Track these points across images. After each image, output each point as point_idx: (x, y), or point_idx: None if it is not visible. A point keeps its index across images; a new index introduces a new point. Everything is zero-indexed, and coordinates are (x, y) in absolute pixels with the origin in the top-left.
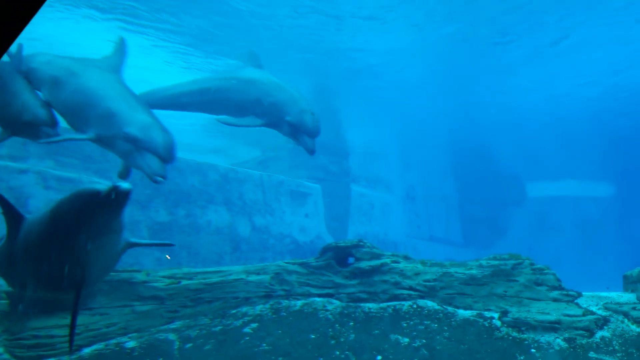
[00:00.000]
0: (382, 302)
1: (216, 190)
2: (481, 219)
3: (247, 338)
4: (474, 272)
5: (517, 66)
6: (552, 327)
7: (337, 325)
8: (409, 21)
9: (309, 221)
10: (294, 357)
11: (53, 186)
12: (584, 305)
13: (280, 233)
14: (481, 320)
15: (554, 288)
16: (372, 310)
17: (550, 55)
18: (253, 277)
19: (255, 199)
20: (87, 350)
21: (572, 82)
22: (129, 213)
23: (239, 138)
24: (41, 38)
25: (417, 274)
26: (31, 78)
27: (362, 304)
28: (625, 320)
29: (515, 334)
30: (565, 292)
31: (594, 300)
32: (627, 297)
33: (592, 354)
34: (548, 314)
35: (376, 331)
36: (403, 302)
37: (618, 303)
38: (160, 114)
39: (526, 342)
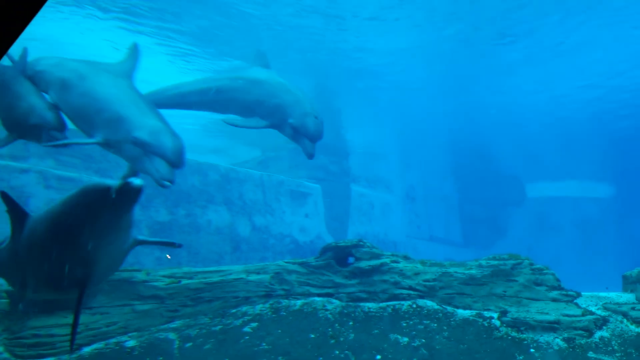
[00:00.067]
0: (382, 301)
1: (216, 190)
2: (481, 219)
3: (247, 337)
4: (473, 272)
5: (517, 67)
6: (551, 327)
7: (336, 325)
8: (410, 22)
9: (309, 221)
10: (294, 356)
11: (54, 185)
12: (583, 305)
13: (280, 233)
14: (480, 320)
15: (553, 288)
16: (371, 309)
17: (550, 56)
18: (253, 277)
19: (256, 199)
20: (87, 350)
21: (572, 82)
22: None
23: (239, 138)
24: (42, 38)
25: (416, 274)
26: (38, 80)
27: (361, 304)
28: (625, 320)
29: (514, 333)
30: (564, 292)
31: (593, 300)
32: (626, 297)
33: (591, 354)
34: (547, 314)
35: (376, 331)
36: (402, 302)
37: (617, 303)
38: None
39: (525, 342)
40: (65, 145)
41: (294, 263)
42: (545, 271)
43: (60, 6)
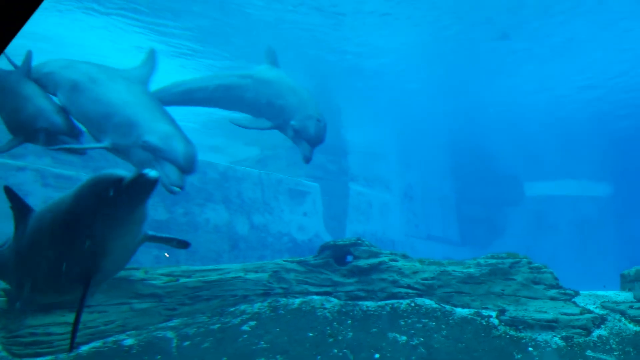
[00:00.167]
0: (380, 300)
1: (215, 188)
2: (479, 218)
3: (245, 336)
4: (471, 270)
5: (517, 67)
6: (550, 325)
7: (335, 324)
8: (409, 21)
9: (307, 220)
10: (292, 355)
11: (51, 184)
12: (582, 304)
13: (278, 231)
14: (479, 318)
15: (552, 287)
16: (370, 308)
17: (550, 55)
18: (251, 275)
19: (254, 198)
20: (84, 348)
21: (571, 82)
22: None
23: (237, 136)
24: (42, 39)
25: (415, 273)
26: (46, 82)
27: (360, 302)
28: (623, 319)
29: (512, 332)
30: (562, 291)
31: (592, 299)
32: (624, 295)
33: (589, 353)
34: (545, 312)
35: (374, 329)
36: (401, 301)
37: (615, 302)
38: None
39: (523, 340)
40: (72, 150)
41: (292, 262)
42: (543, 270)
43: (59, 5)
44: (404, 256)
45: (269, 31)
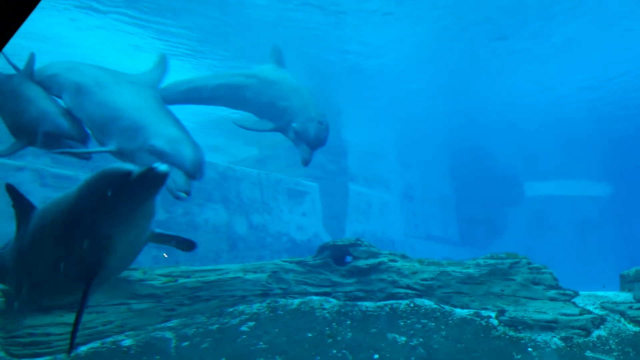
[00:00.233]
0: (380, 300)
1: (214, 188)
2: (479, 218)
3: (244, 336)
4: (471, 271)
5: (516, 66)
6: (549, 326)
7: (334, 324)
8: (409, 21)
9: (306, 219)
10: (291, 355)
11: (50, 184)
12: (581, 305)
13: (277, 231)
14: (478, 319)
15: (551, 287)
16: (369, 308)
17: (550, 55)
18: (250, 276)
19: (253, 197)
20: (83, 349)
21: (571, 83)
22: None
23: (237, 136)
24: (40, 39)
25: (414, 273)
26: (51, 84)
27: (359, 303)
28: (622, 319)
29: (512, 333)
30: (562, 292)
31: (591, 299)
32: (624, 296)
33: (588, 353)
34: (545, 313)
35: (373, 330)
36: (400, 301)
37: (615, 302)
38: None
39: (523, 341)
40: (77, 154)
41: (291, 262)
42: (543, 270)
43: (57, 5)
44: (403, 256)
45: (269, 30)
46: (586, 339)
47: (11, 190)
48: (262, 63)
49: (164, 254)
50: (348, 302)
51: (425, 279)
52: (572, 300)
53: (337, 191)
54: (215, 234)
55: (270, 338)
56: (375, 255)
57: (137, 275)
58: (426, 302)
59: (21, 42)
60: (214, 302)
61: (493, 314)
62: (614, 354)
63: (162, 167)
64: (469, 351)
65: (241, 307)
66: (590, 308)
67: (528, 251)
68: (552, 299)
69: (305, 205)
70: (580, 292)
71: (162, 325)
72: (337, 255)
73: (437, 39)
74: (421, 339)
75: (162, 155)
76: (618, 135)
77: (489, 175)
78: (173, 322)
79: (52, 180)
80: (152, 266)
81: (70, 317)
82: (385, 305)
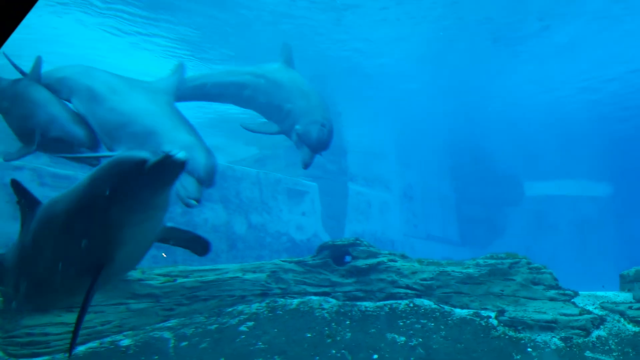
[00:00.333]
0: (379, 300)
1: (213, 187)
2: (479, 218)
3: (243, 336)
4: (470, 271)
5: (516, 66)
6: (549, 326)
7: (333, 324)
8: (409, 21)
9: (305, 219)
10: (290, 355)
11: (48, 183)
12: (581, 305)
13: (277, 231)
14: (478, 319)
15: (551, 287)
16: (368, 308)
17: (550, 56)
18: (249, 276)
19: (252, 197)
20: (81, 349)
21: (572, 83)
22: None
23: (236, 136)
24: (41, 39)
25: (414, 273)
26: (60, 87)
27: (358, 303)
28: (622, 319)
29: (511, 333)
30: (562, 292)
31: (591, 299)
32: (624, 296)
33: (588, 353)
34: (545, 313)
35: (372, 330)
36: (400, 301)
37: (614, 302)
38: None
39: (522, 341)
40: (83, 160)
41: (290, 262)
42: (542, 270)
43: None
44: (403, 256)
45: (268, 29)
46: (586, 339)
47: (16, 185)
48: (271, 61)
49: (163, 254)
50: (347, 302)
51: (424, 279)
52: (572, 300)
53: (336, 191)
54: (214, 233)
55: (269, 338)
56: (374, 255)
57: (135, 275)
58: (426, 302)
59: (21, 43)
60: (212, 302)
61: (493, 314)
62: (614, 354)
63: (180, 154)
64: (469, 351)
65: (240, 307)
66: (590, 308)
67: (528, 251)
68: (551, 299)
69: (305, 205)
70: (580, 292)
71: (161, 325)
72: (336, 255)
73: (438, 39)
74: (420, 339)
75: None
76: (618, 136)
77: (489, 175)
78: (172, 322)
79: (50, 179)
80: (150, 266)
81: (69, 317)
82: (385, 305)
